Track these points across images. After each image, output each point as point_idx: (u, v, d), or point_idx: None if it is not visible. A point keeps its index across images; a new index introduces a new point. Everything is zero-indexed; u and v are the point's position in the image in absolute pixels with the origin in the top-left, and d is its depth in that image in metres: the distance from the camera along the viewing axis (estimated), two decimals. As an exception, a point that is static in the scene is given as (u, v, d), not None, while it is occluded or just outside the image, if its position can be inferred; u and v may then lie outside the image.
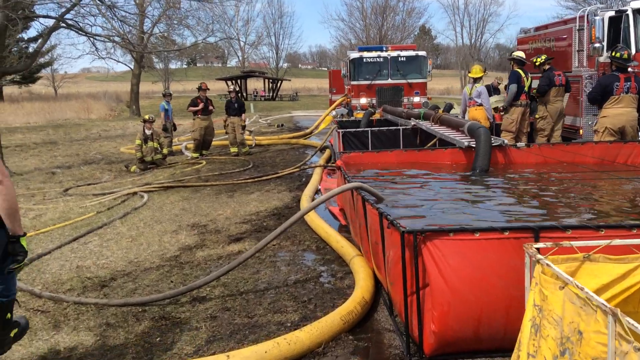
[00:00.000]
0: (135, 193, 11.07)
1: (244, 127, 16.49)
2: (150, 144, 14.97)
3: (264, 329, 4.56)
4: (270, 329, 4.53)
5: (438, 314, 3.66)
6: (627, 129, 8.87)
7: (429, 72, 20.42)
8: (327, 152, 14.02)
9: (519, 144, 7.90)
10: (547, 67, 11.04)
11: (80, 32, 22.39)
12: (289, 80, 61.63)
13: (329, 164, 12.59)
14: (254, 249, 5.23)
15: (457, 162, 7.98)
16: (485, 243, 3.68)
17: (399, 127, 12.04)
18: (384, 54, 19.98)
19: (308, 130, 21.15)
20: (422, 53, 20.37)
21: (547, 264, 2.82)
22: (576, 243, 3.17)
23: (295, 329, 4.43)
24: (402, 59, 19.96)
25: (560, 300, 2.67)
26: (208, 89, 16.68)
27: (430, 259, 3.68)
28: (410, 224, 4.12)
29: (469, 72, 11.96)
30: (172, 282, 5.92)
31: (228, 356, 3.76)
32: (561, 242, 3.18)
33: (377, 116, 15.87)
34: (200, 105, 16.11)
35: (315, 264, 6.08)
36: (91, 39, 23.98)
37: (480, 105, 11.38)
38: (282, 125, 25.88)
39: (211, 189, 11.08)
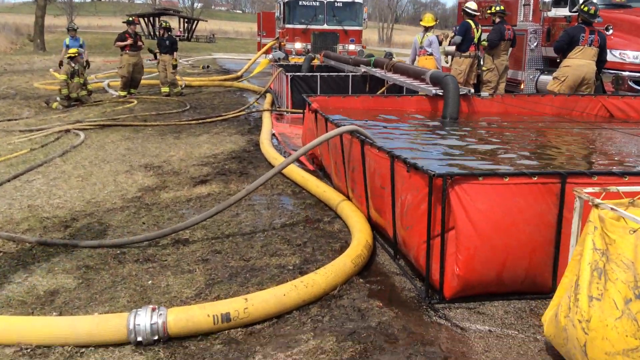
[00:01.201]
0: (68, 130, 10.30)
1: (175, 67, 15.66)
2: (76, 79, 13.93)
3: (265, 271, 4.35)
4: (272, 272, 4.33)
5: (464, 258, 3.61)
6: (586, 79, 9.21)
7: (365, 20, 20.23)
8: (269, 96, 13.63)
9: (482, 94, 7.96)
10: (497, 20, 11.15)
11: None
12: (206, 21, 59.38)
13: (277, 108, 12.25)
14: (245, 191, 4.95)
15: (423, 109, 7.95)
16: (514, 188, 3.63)
17: (348, 74, 11.87)
18: (321, -2, 19.55)
19: (239, 73, 20.49)
20: (358, 0, 20.09)
21: (613, 209, 2.79)
22: (622, 188, 3.18)
23: (300, 273, 4.27)
24: (339, 4, 19.63)
25: (631, 244, 2.65)
26: (138, 23, 15.68)
27: (458, 203, 3.59)
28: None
29: (421, 20, 11.86)
30: (144, 223, 5.54)
31: (246, 299, 3.55)
32: (608, 187, 3.18)
33: (316, 62, 15.59)
34: (129, 41, 15.06)
35: (296, 208, 5.87)
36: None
37: (431, 54, 11.38)
38: (208, 66, 24.91)
39: (153, 130, 10.48)
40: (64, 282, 4.27)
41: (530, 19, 11.82)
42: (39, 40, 36.55)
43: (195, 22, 56.49)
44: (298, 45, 19.43)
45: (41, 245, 4.97)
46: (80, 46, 15.17)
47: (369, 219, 5.01)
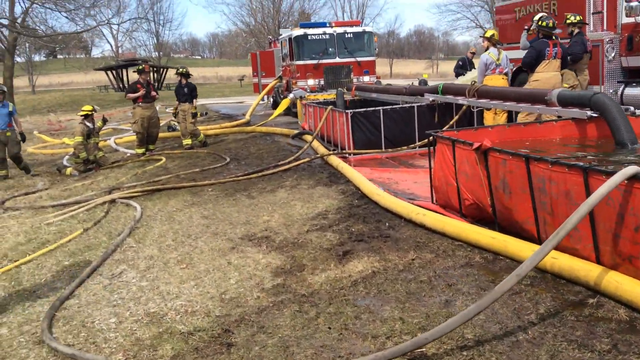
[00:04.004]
0: (113, 201, 8.71)
1: (195, 115, 14.17)
2: (92, 139, 12.37)
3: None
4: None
5: None
6: None
7: (376, 49, 19.17)
8: (311, 137, 12.20)
9: (637, 111, 6.74)
10: (577, 31, 10.08)
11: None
12: (176, 68, 57.84)
13: (335, 150, 10.85)
14: (515, 276, 3.49)
15: (570, 136, 6.68)
16: None
17: (412, 105, 10.62)
18: (329, 30, 18.43)
19: (247, 117, 19.13)
20: (369, 29, 19.07)
21: None
22: None
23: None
24: (349, 35, 18.54)
25: None
26: (150, 72, 14.24)
27: None
28: None
29: (489, 36, 10.51)
30: (330, 328, 4.02)
31: None
32: None
33: (346, 96, 14.37)
34: (141, 91, 13.54)
35: (523, 286, 4.40)
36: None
37: (507, 74, 10.23)
38: (206, 113, 23.43)
39: (213, 190, 8.95)
40: None
41: (605, 27, 10.79)
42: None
43: (165, 70, 54.91)
44: (311, 82, 18.21)
45: (219, 384, 3.44)
46: (11, 113, 12.02)
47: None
